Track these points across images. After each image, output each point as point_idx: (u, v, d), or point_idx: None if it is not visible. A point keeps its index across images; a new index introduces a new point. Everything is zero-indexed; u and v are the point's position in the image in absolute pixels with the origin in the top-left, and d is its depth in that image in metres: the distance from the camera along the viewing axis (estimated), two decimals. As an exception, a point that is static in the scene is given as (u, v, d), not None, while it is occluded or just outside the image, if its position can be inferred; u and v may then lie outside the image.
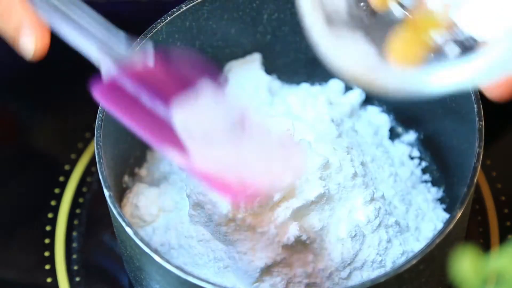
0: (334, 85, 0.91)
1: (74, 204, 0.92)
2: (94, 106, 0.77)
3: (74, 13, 0.73)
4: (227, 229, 0.76)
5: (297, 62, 0.91)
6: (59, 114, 0.98)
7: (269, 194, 0.74)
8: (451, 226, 0.71)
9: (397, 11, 0.58)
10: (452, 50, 0.56)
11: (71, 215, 0.91)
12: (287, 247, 0.76)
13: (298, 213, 0.77)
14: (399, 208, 0.83)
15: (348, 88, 0.91)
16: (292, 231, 0.76)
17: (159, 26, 0.81)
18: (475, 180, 0.73)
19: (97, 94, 0.71)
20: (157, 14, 0.83)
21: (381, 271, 0.78)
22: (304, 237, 0.76)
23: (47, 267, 0.88)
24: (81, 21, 0.72)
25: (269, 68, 0.91)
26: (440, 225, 0.83)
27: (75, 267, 0.88)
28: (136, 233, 0.72)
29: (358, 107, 0.91)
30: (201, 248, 0.78)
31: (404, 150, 0.89)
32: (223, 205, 0.75)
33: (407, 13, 0.56)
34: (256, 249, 0.76)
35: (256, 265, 0.76)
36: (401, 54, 0.60)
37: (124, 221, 0.72)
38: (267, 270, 0.76)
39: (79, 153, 0.95)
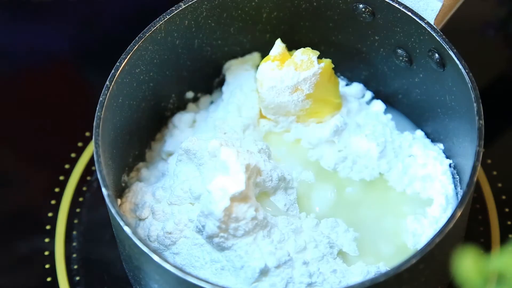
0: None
1: (74, 203, 0.92)
2: (94, 105, 0.77)
3: None
4: (219, 239, 0.76)
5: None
6: (59, 114, 0.98)
7: None
8: (451, 225, 0.71)
9: None
10: None
11: (71, 215, 0.91)
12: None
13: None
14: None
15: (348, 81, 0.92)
16: (297, 236, 0.76)
17: (158, 25, 0.81)
18: (475, 179, 0.73)
19: None
20: (156, 12, 0.82)
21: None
22: (305, 240, 0.76)
23: (47, 266, 0.88)
24: None
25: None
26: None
27: (75, 267, 0.88)
28: (134, 232, 0.71)
29: (382, 113, 0.90)
30: (197, 251, 0.78)
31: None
32: (215, 214, 0.75)
33: None
34: (255, 250, 0.76)
35: (255, 266, 0.76)
36: None
37: (122, 220, 0.72)
38: (266, 270, 0.76)
39: (79, 152, 0.95)
